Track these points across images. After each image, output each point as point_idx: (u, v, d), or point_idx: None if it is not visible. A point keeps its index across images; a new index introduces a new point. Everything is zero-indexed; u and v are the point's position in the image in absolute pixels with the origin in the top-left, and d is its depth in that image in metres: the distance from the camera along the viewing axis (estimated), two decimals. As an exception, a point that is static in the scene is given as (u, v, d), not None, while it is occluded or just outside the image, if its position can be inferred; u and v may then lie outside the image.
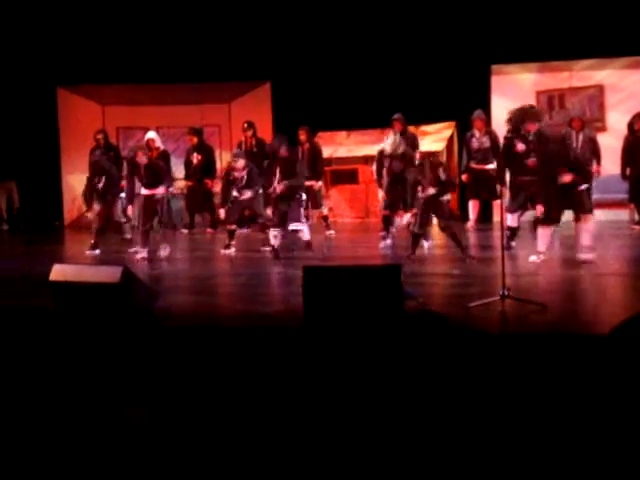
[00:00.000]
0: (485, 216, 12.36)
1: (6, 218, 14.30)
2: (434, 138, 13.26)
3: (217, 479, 3.85)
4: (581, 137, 10.65)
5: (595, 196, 8.87)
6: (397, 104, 11.63)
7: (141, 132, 12.84)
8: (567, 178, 8.05)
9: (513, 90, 12.53)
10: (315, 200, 11.39)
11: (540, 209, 8.42)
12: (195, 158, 12.57)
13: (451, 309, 6.24)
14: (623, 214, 11.48)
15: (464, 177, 11.74)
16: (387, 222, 10.11)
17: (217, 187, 13.29)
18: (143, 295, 6.03)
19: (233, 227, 10.14)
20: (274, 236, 9.40)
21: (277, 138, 9.91)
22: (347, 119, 13.34)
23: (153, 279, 7.85)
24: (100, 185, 10.36)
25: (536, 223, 8.80)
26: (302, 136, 11.47)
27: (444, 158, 12.50)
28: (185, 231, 12.34)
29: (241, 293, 7.70)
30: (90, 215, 10.48)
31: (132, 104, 14.17)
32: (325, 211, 11.92)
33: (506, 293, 6.25)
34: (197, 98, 14.13)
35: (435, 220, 9.25)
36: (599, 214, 9.79)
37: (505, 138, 8.44)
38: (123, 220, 10.44)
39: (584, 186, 8.16)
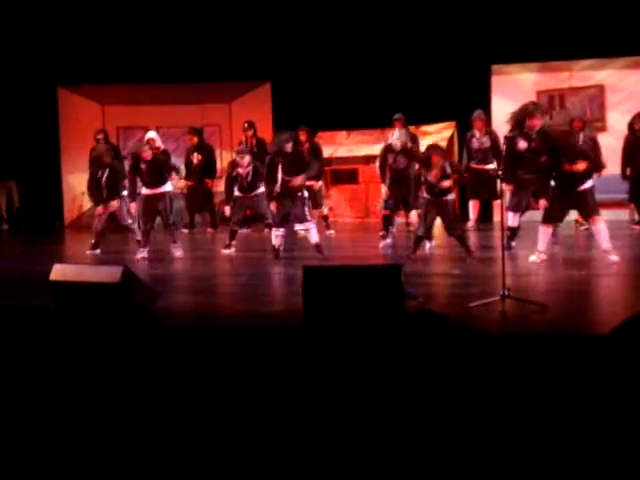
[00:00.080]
0: (485, 216, 12.37)
1: (6, 218, 14.31)
2: (434, 138, 13.22)
3: (217, 479, 3.85)
4: (582, 137, 10.64)
5: (595, 196, 8.86)
6: (397, 104, 11.64)
7: (141, 132, 12.85)
8: (581, 166, 8.01)
9: (513, 90, 12.53)
10: (315, 200, 11.38)
11: (543, 203, 8.38)
12: (195, 158, 12.57)
13: (451, 309, 6.24)
14: (623, 214, 11.48)
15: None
16: (387, 222, 10.10)
17: (217, 187, 13.35)
18: (143, 295, 6.02)
19: (236, 228, 10.14)
20: (275, 236, 9.38)
21: (283, 133, 9.80)
22: (347, 119, 13.34)
23: (153, 279, 7.84)
24: (103, 178, 10.34)
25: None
26: (302, 136, 11.46)
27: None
28: (185, 231, 12.34)
29: (241, 293, 7.70)
30: (99, 209, 10.38)
31: (132, 104, 14.17)
32: (325, 211, 11.94)
33: (506, 293, 6.25)
34: (197, 98, 14.14)
35: (440, 222, 9.19)
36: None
37: (506, 137, 8.42)
38: (129, 221, 10.37)
39: (589, 184, 8.12)
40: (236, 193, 10.10)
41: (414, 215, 8.90)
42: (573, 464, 3.66)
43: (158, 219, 9.95)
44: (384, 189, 10.27)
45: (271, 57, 13.47)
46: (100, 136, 12.40)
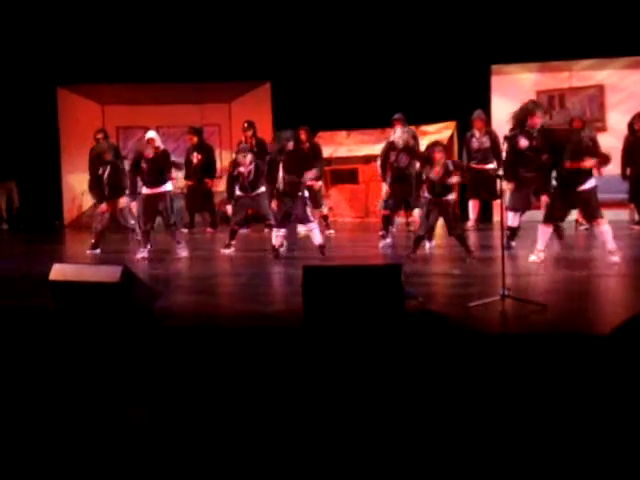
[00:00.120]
0: (485, 216, 12.38)
1: (6, 218, 14.31)
2: (434, 138, 13.25)
3: (217, 479, 3.85)
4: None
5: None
6: (397, 104, 11.64)
7: (141, 131, 12.84)
8: (589, 162, 8.01)
9: (513, 90, 12.52)
10: (315, 200, 11.38)
11: (545, 200, 8.37)
12: (195, 158, 12.58)
13: (451, 309, 6.23)
14: (623, 214, 11.48)
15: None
16: (387, 222, 10.10)
17: (217, 186, 13.36)
18: (143, 295, 6.02)
19: (236, 228, 10.14)
20: (276, 236, 9.37)
21: (284, 132, 9.76)
22: (347, 119, 13.35)
23: (153, 279, 7.84)
24: (105, 176, 10.33)
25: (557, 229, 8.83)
26: (302, 136, 11.45)
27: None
28: (185, 231, 12.32)
29: (241, 293, 7.70)
30: (102, 207, 10.35)
31: (132, 103, 14.18)
32: (325, 211, 11.93)
33: (506, 293, 6.25)
34: (197, 98, 14.15)
35: (442, 222, 9.17)
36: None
37: (506, 137, 8.42)
38: (131, 222, 10.34)
39: (591, 184, 8.10)
40: (237, 192, 10.10)
41: (416, 213, 8.84)
42: (573, 464, 3.66)
43: (159, 219, 9.94)
44: (385, 188, 10.26)
45: (271, 57, 13.48)
46: (100, 136, 12.40)
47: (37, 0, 13.24)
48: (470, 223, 11.70)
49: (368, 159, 13.44)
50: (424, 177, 8.83)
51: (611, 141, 11.59)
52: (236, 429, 4.25)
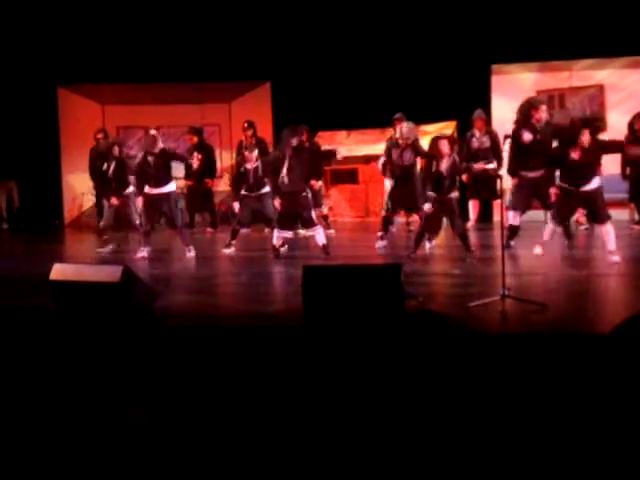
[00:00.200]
0: (485, 216, 12.38)
1: (6, 217, 14.31)
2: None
3: (217, 479, 3.85)
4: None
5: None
6: (397, 104, 11.64)
7: (141, 131, 12.86)
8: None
9: (513, 90, 12.52)
10: (315, 199, 11.36)
11: (554, 191, 8.34)
12: (195, 157, 12.55)
13: (451, 309, 6.23)
14: (623, 214, 11.48)
15: (464, 177, 11.73)
16: (387, 222, 10.07)
17: (217, 186, 13.36)
18: (143, 295, 6.02)
19: (238, 227, 10.13)
20: (277, 236, 9.36)
21: (291, 128, 9.69)
22: (347, 119, 13.34)
23: (153, 279, 7.84)
24: (110, 171, 10.31)
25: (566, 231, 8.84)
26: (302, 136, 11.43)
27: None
28: (185, 231, 12.33)
29: (241, 293, 7.70)
30: (113, 200, 10.32)
31: (132, 103, 14.18)
32: (325, 210, 11.93)
33: (506, 293, 6.25)
34: (197, 97, 14.15)
35: (446, 222, 9.14)
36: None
37: (506, 136, 8.38)
38: (137, 222, 10.32)
39: (596, 184, 8.10)
40: (243, 192, 10.06)
41: (427, 207, 8.68)
42: (573, 464, 3.66)
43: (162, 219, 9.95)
44: (387, 183, 10.18)
45: (271, 57, 13.47)
46: (100, 136, 12.40)
47: (37, 0, 13.24)
48: (470, 223, 11.70)
49: (368, 159, 13.44)
50: (434, 169, 8.70)
51: (611, 141, 11.62)
52: (236, 429, 4.25)
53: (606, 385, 3.95)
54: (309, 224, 9.32)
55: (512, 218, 9.39)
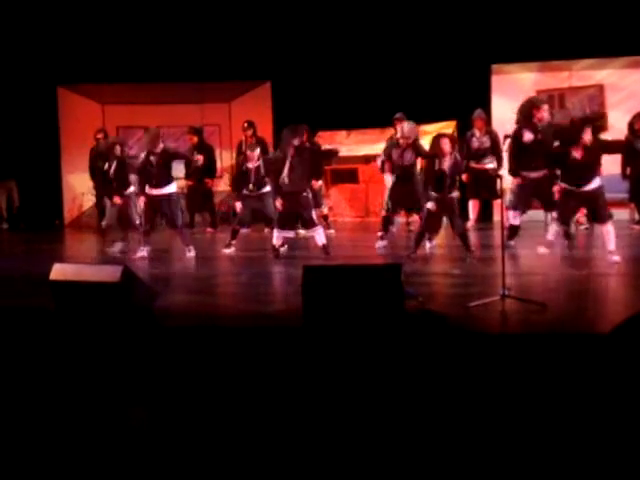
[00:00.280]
0: (485, 215, 12.38)
1: (6, 217, 14.29)
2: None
3: (217, 479, 3.85)
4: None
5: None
6: (397, 103, 11.64)
7: (141, 131, 12.85)
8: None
9: (513, 89, 12.52)
10: (315, 199, 11.36)
11: (558, 189, 8.32)
12: (195, 158, 12.56)
13: (451, 309, 6.23)
14: (623, 214, 11.48)
15: (464, 177, 11.74)
16: (387, 222, 10.07)
17: (217, 186, 13.36)
18: (143, 294, 6.03)
19: (238, 227, 10.12)
20: (277, 236, 9.35)
21: (291, 128, 9.67)
22: (347, 118, 13.34)
23: (153, 279, 7.84)
24: (112, 171, 10.31)
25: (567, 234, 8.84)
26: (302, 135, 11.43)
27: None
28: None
29: (241, 293, 7.70)
30: (116, 199, 10.30)
31: (132, 103, 14.17)
32: (325, 210, 11.92)
33: (506, 293, 6.25)
34: (197, 97, 14.15)
35: (446, 222, 9.14)
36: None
37: (506, 136, 8.38)
38: (137, 222, 10.31)
39: (596, 184, 8.10)
40: (244, 192, 10.05)
41: (430, 205, 8.66)
42: (573, 464, 3.66)
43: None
44: (387, 178, 10.16)
45: (271, 57, 13.47)
46: (100, 135, 12.40)
47: (37, 0, 13.23)
48: (470, 223, 11.69)
49: (368, 159, 13.43)
50: (437, 167, 8.67)
51: (611, 141, 11.62)
52: (236, 429, 4.25)
53: (606, 385, 3.95)
54: (309, 224, 9.31)
55: (512, 218, 9.39)
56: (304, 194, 9.29)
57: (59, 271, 6.05)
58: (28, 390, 4.80)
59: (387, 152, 10.08)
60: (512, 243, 9.33)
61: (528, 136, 9.17)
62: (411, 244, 9.05)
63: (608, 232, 8.10)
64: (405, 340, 5.21)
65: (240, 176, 10.19)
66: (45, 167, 14.14)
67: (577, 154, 8.04)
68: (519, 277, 7.49)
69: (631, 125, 11.11)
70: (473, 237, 10.41)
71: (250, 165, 10.00)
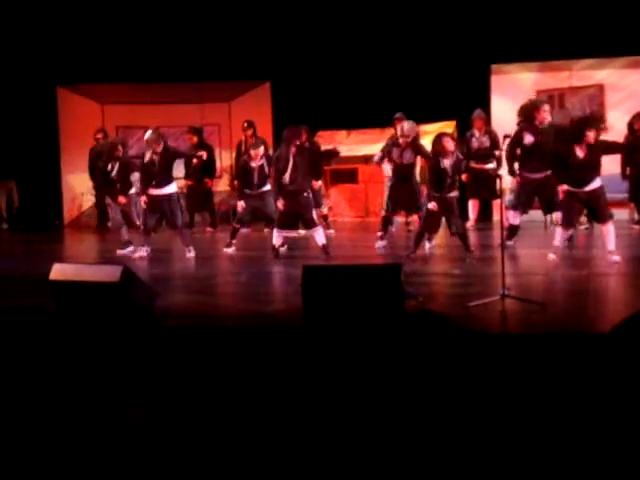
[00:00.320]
0: (485, 215, 12.38)
1: (6, 217, 14.30)
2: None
3: (217, 479, 3.85)
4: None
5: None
6: (397, 103, 11.64)
7: (141, 131, 12.82)
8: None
9: (513, 90, 12.52)
10: (315, 199, 11.35)
11: (563, 189, 8.29)
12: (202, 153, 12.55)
13: (451, 309, 6.24)
14: (623, 214, 11.48)
15: (464, 177, 11.73)
16: (387, 222, 10.06)
17: (217, 186, 13.35)
18: (143, 294, 6.02)
19: (238, 226, 10.12)
20: (277, 236, 9.35)
21: (291, 128, 9.65)
22: (347, 118, 13.34)
23: (153, 279, 7.84)
24: (114, 172, 10.30)
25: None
26: (302, 136, 11.42)
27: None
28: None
29: (241, 292, 7.70)
30: (121, 199, 10.27)
31: (132, 103, 14.17)
32: (325, 210, 11.92)
33: (506, 292, 6.25)
34: (197, 97, 14.15)
35: (445, 222, 9.12)
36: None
37: (505, 136, 8.36)
38: (138, 222, 10.29)
39: (597, 184, 8.09)
40: (246, 191, 10.03)
41: (431, 205, 8.64)
42: (573, 464, 3.66)
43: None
44: (386, 168, 10.14)
45: (271, 57, 13.47)
46: (100, 136, 12.41)
47: (37, 0, 13.23)
48: (470, 223, 11.69)
49: (368, 159, 13.42)
50: (441, 166, 8.64)
51: (611, 141, 11.60)
52: (236, 429, 4.25)
53: (606, 385, 3.95)
54: (310, 224, 9.31)
55: (512, 218, 9.39)
56: (305, 194, 9.29)
57: (59, 271, 6.05)
58: (28, 390, 4.80)
59: (386, 149, 10.07)
60: (512, 243, 9.33)
61: (529, 138, 9.16)
62: (411, 244, 9.04)
63: (608, 232, 8.10)
64: (405, 340, 5.21)
65: (243, 175, 10.17)
66: (45, 167, 14.14)
67: (580, 153, 8.03)
68: (519, 277, 7.49)
69: (631, 125, 11.10)
70: (473, 237, 10.41)
71: (253, 164, 9.99)
